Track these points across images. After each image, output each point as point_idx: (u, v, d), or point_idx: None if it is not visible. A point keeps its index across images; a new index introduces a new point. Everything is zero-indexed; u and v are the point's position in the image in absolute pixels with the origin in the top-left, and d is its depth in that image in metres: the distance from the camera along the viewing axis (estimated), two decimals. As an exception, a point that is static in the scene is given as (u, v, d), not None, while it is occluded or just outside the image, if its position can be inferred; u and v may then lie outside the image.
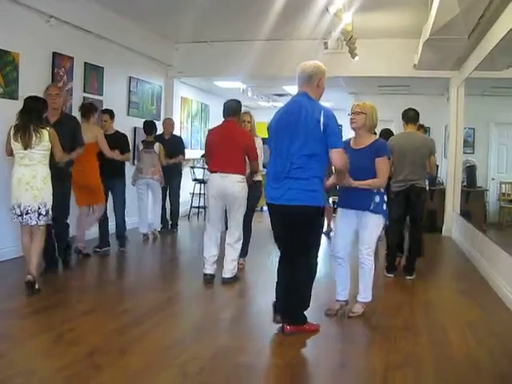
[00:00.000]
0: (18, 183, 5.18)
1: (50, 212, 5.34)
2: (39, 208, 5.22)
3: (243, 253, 6.56)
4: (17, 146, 5.20)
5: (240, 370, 3.67)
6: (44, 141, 5.21)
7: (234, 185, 5.76)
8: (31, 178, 5.18)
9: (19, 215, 5.22)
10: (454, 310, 5.27)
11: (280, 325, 4.32)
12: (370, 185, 4.68)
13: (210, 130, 6.36)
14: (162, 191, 9.01)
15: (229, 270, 5.93)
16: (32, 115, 5.23)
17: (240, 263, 6.42)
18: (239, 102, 6.12)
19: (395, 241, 6.61)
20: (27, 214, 5.20)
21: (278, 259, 4.50)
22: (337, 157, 4.16)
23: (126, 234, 7.77)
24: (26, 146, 5.15)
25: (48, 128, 5.30)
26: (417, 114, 6.60)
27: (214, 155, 5.91)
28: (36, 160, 5.21)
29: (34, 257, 5.25)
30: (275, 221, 4.45)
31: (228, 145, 5.79)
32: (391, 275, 6.46)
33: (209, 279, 5.95)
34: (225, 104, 6.06)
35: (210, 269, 5.98)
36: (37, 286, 5.17)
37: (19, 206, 5.19)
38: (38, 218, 5.24)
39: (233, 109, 6.00)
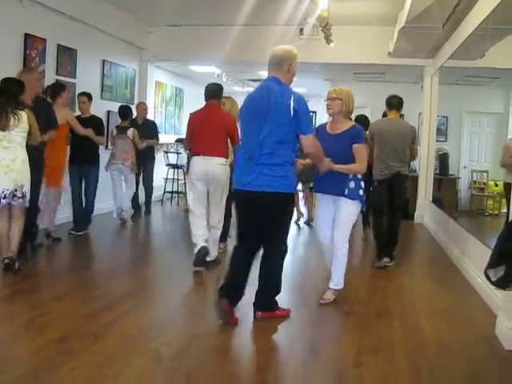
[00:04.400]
0: None
1: (28, 195, 5.34)
2: (16, 190, 5.20)
3: (224, 237, 6.57)
4: None
5: (213, 355, 3.69)
6: (23, 123, 5.19)
7: (216, 167, 5.71)
8: (11, 161, 5.15)
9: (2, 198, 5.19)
10: (425, 296, 5.33)
11: (223, 311, 4.16)
12: (351, 169, 4.67)
13: (191, 114, 6.22)
14: (135, 176, 8.96)
15: (212, 252, 5.91)
16: (9, 97, 5.18)
17: (220, 247, 6.43)
18: (220, 85, 6.10)
19: (383, 233, 6.46)
20: (5, 197, 5.16)
21: (235, 245, 4.41)
22: (307, 143, 4.12)
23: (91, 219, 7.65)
24: (4, 127, 5.10)
25: (26, 110, 5.26)
26: (401, 102, 6.49)
27: (197, 138, 5.84)
28: (16, 142, 5.19)
29: (15, 238, 5.29)
30: (242, 207, 4.36)
31: (210, 127, 5.73)
32: (390, 264, 6.30)
33: (206, 252, 5.75)
34: (206, 87, 6.02)
35: (203, 242, 5.76)
36: (16, 266, 5.21)
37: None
38: (13, 199, 5.22)
39: (214, 91, 5.97)
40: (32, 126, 5.33)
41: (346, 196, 4.70)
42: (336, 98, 4.76)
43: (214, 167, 5.71)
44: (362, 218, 8.34)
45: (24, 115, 5.21)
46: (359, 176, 4.79)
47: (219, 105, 6.08)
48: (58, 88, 6.79)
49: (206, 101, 6.00)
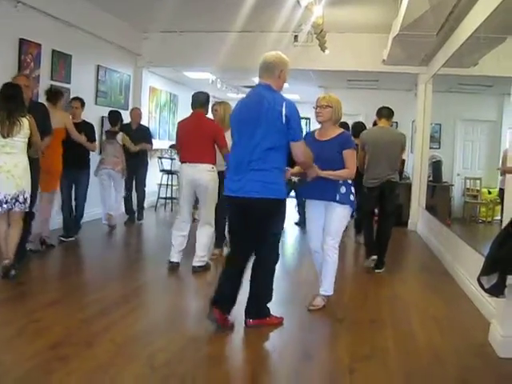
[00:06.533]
0: None
1: (28, 200, 5.38)
2: (18, 196, 5.25)
3: (220, 243, 6.68)
4: None
5: (207, 361, 3.68)
6: (24, 129, 5.26)
7: (203, 174, 5.83)
8: (12, 166, 5.21)
9: (4, 203, 5.22)
10: (418, 303, 5.33)
11: (214, 321, 4.16)
12: (340, 176, 4.68)
13: (179, 122, 6.39)
14: (128, 181, 8.96)
15: (199, 258, 5.99)
16: (15, 102, 5.25)
17: (214, 253, 6.52)
18: (207, 94, 6.22)
19: (372, 235, 6.63)
20: (6, 202, 5.21)
21: (227, 255, 4.45)
22: (298, 150, 4.13)
23: (81, 225, 7.67)
24: (8, 134, 5.16)
25: (28, 116, 5.32)
26: (391, 112, 6.62)
27: (184, 146, 6.00)
28: (18, 148, 5.26)
29: (12, 243, 5.30)
30: (233, 213, 4.38)
31: (197, 135, 5.87)
32: (380, 271, 6.41)
33: (173, 267, 6.04)
34: (193, 96, 6.15)
35: (175, 257, 6.07)
36: (13, 272, 5.22)
37: None
38: (14, 204, 5.26)
39: (200, 100, 6.08)
40: (33, 134, 5.38)
41: (337, 201, 4.70)
42: (327, 106, 4.77)
43: (201, 174, 5.83)
44: (354, 225, 8.37)
45: (26, 122, 5.27)
46: (350, 181, 4.80)
47: (206, 113, 6.19)
48: (58, 93, 6.86)
49: (192, 109, 6.12)
